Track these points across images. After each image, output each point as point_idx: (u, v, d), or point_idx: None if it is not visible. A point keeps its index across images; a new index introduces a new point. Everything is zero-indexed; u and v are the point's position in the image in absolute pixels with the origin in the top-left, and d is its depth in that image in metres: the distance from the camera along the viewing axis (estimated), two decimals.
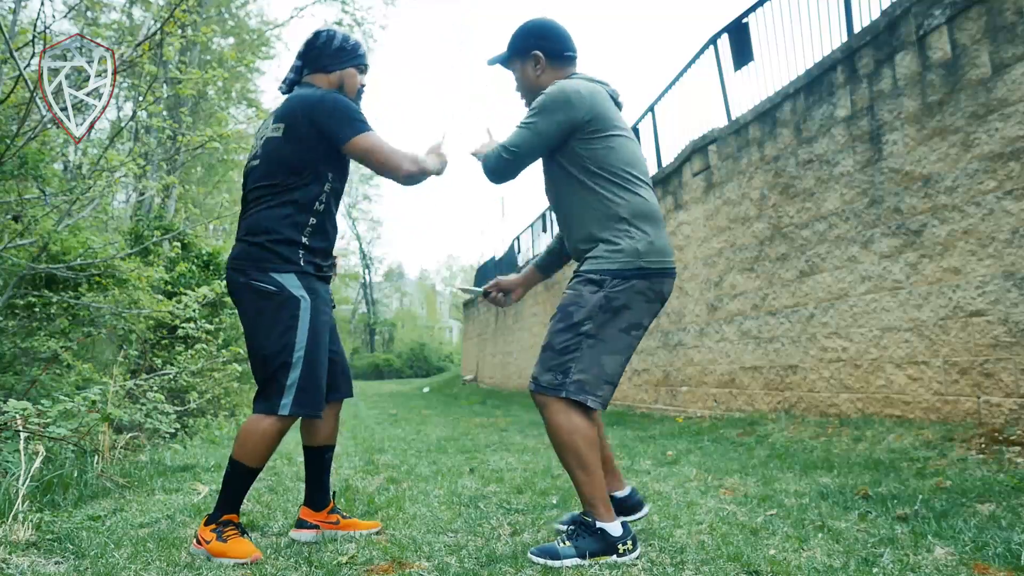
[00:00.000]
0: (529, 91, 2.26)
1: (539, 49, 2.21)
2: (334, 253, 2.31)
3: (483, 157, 2.15)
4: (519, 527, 2.38)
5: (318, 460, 2.35)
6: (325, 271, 2.22)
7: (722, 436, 5.25)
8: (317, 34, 2.26)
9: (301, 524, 2.29)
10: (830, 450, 4.19)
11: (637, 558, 1.99)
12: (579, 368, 2.00)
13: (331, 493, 2.39)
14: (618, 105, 2.27)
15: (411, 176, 2.14)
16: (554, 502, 2.84)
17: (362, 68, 2.30)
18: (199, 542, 2.03)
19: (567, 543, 1.96)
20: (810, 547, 2.08)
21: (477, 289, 2.50)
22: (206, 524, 2.05)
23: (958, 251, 4.11)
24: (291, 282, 2.06)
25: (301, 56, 2.27)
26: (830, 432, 4.60)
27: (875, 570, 1.84)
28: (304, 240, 2.11)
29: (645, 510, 2.32)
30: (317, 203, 2.13)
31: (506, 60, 2.29)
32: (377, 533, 2.33)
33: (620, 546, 1.98)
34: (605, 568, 1.90)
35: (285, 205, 2.09)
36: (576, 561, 1.93)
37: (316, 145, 2.10)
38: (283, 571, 1.88)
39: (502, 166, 2.09)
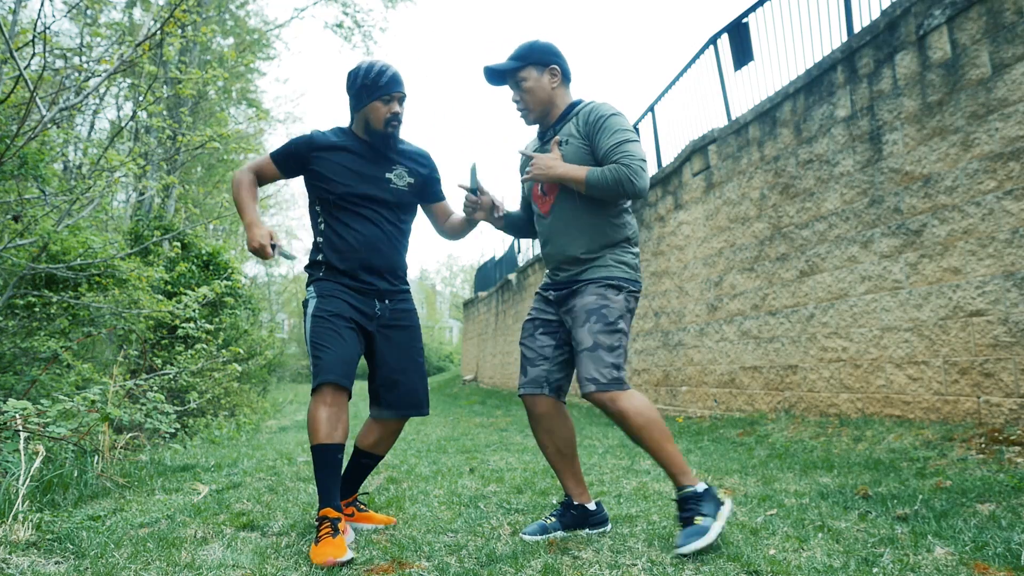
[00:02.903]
0: (540, 102, 2.34)
1: (557, 65, 2.33)
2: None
3: (616, 180, 2.14)
4: (519, 527, 2.38)
5: (355, 460, 2.50)
6: (358, 282, 2.35)
7: (722, 436, 5.25)
8: (348, 75, 2.41)
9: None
10: (830, 450, 4.20)
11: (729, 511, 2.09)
12: (623, 362, 2.21)
13: (359, 491, 2.55)
14: None
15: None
16: (554, 502, 2.84)
17: (385, 99, 2.33)
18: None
19: (698, 518, 2.03)
20: (810, 547, 2.08)
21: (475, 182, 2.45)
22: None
23: (958, 251, 4.11)
24: (309, 291, 2.38)
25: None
26: (830, 432, 4.60)
27: (875, 570, 1.84)
28: (319, 259, 2.39)
29: (608, 527, 2.40)
30: (321, 224, 2.41)
31: (519, 68, 2.32)
32: (381, 529, 2.41)
33: (719, 495, 2.15)
34: (605, 568, 1.90)
35: (312, 225, 2.47)
36: (719, 525, 2.02)
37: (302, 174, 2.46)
38: (283, 571, 1.88)
39: (647, 179, 2.19)
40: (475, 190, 2.41)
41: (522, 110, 2.37)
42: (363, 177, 2.37)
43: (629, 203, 2.34)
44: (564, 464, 2.38)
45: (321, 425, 2.13)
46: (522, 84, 2.32)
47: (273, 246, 2.27)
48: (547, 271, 2.44)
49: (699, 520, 2.03)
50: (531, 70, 2.31)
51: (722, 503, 2.10)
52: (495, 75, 2.37)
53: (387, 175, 2.42)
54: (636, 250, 2.34)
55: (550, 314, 2.37)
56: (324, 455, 2.13)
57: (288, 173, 2.43)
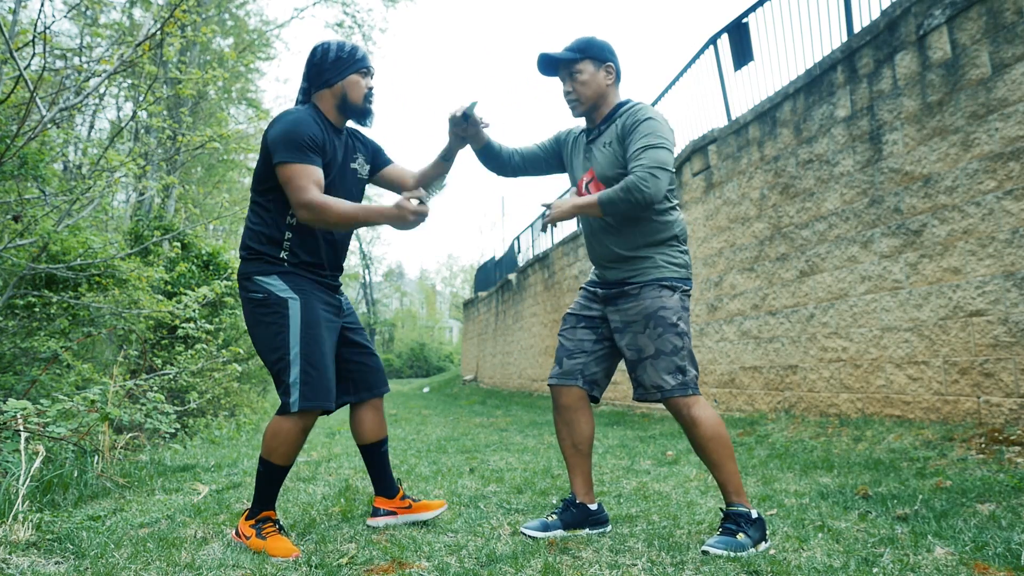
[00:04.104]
0: (592, 97, 2.34)
1: (614, 63, 2.36)
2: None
3: (625, 192, 2.12)
4: (519, 527, 2.38)
5: (374, 455, 2.47)
6: (325, 279, 2.28)
7: None
8: (314, 51, 2.29)
9: (376, 512, 2.46)
10: (830, 450, 4.20)
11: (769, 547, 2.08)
12: (688, 364, 2.21)
13: (397, 480, 2.53)
14: None
15: (305, 219, 2.10)
16: (554, 502, 2.84)
17: (364, 71, 2.30)
18: (239, 535, 2.15)
19: (741, 535, 2.04)
20: (810, 547, 2.08)
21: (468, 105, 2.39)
22: (246, 519, 2.16)
23: (958, 251, 4.11)
24: (276, 284, 2.15)
25: (305, 77, 2.31)
26: (830, 432, 4.60)
27: (875, 570, 1.84)
28: (283, 256, 2.18)
29: (609, 527, 2.40)
30: (288, 217, 2.19)
31: (577, 60, 2.32)
32: (381, 529, 2.40)
33: (767, 532, 2.13)
34: (605, 568, 1.90)
35: (260, 223, 2.20)
36: (754, 552, 2.01)
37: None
38: (283, 571, 1.88)
39: (663, 183, 2.13)
40: (467, 116, 2.38)
41: (573, 101, 2.36)
42: (339, 172, 2.29)
43: (675, 197, 2.33)
44: (577, 460, 2.39)
45: (292, 451, 2.15)
46: (577, 76, 2.32)
47: (420, 200, 2.11)
48: (594, 269, 2.46)
49: (742, 537, 2.03)
50: (588, 64, 2.32)
51: (767, 540, 2.10)
52: (549, 64, 2.36)
53: (352, 166, 2.37)
54: (685, 247, 2.33)
55: (594, 310, 2.38)
56: (280, 475, 2.17)
57: None
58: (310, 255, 2.23)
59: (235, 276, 8.60)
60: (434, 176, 2.51)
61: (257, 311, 2.14)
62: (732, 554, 1.96)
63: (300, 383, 2.09)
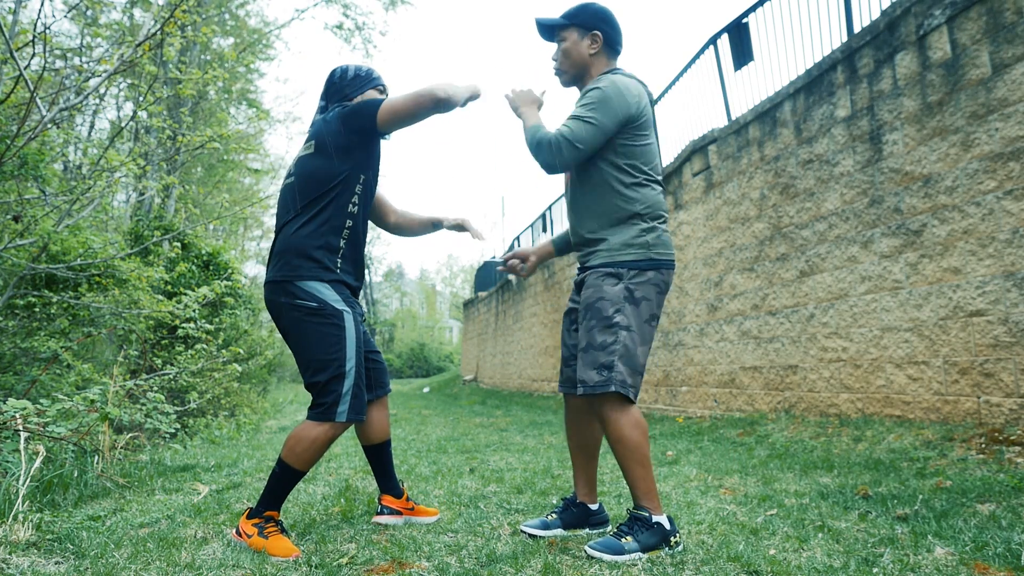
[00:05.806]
0: (573, 66, 2.27)
1: (601, 31, 2.24)
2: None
3: (536, 143, 2.11)
4: (519, 527, 2.38)
5: (383, 454, 2.52)
6: (356, 287, 2.32)
7: (722, 436, 5.25)
8: (333, 72, 2.42)
9: (383, 510, 2.50)
10: (830, 450, 4.20)
11: (681, 550, 2.04)
12: (619, 362, 2.05)
13: (400, 482, 2.58)
14: (652, 104, 2.32)
15: (438, 103, 2.14)
16: (554, 502, 2.84)
17: (380, 89, 2.44)
18: (239, 534, 2.14)
19: (628, 538, 1.99)
20: (810, 547, 2.08)
21: (498, 260, 2.57)
22: (248, 517, 2.16)
23: (958, 251, 4.11)
24: (329, 295, 2.15)
25: (324, 96, 2.41)
26: (830, 432, 4.60)
27: (875, 570, 1.84)
28: (342, 245, 2.20)
29: (609, 527, 2.39)
30: (351, 205, 2.22)
31: (562, 27, 2.26)
32: (381, 529, 2.41)
33: (672, 539, 2.04)
34: (605, 568, 1.90)
35: (322, 212, 2.18)
36: (638, 556, 1.96)
37: (348, 148, 2.20)
38: (283, 571, 1.88)
39: (565, 159, 2.08)
40: (503, 262, 2.50)
41: (555, 70, 2.31)
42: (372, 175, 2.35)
43: (646, 177, 2.18)
44: (582, 460, 2.38)
45: (316, 458, 2.17)
46: (560, 44, 2.28)
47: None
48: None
49: (627, 540, 1.99)
50: (573, 31, 2.25)
51: (669, 546, 2.02)
52: (543, 29, 2.33)
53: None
54: (653, 224, 2.14)
55: (576, 302, 2.33)
56: (296, 479, 2.19)
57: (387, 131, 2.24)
58: (357, 252, 2.28)
59: (235, 276, 8.62)
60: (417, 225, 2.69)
61: (311, 319, 2.12)
62: (609, 560, 1.94)
63: (351, 396, 2.12)
